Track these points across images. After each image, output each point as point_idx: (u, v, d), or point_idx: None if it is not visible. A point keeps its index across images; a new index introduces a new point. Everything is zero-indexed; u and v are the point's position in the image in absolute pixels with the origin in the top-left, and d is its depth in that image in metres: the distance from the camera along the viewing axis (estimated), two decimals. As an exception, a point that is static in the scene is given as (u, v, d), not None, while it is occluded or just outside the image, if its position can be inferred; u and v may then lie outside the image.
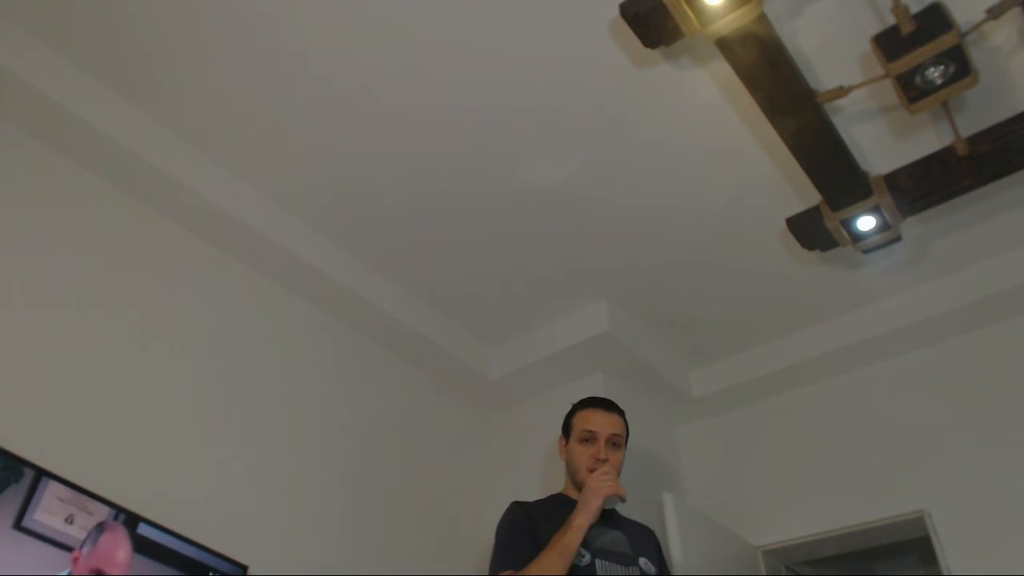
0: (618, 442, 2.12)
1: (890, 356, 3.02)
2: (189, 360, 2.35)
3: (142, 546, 1.97)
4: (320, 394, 2.70)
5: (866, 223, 2.28)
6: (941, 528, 2.60)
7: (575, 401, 2.26)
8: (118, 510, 1.96)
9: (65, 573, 1.80)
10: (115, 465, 2.03)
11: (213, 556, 2.11)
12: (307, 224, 2.69)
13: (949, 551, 2.54)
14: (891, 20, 1.80)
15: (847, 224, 2.29)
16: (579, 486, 2.03)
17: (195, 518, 2.12)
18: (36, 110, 2.16)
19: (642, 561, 1.99)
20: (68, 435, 1.98)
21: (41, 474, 1.86)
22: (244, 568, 2.17)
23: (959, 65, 1.82)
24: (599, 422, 2.12)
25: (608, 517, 2.02)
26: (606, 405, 2.19)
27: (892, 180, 2.23)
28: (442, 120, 2.36)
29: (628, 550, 2.00)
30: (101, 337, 2.16)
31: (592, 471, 2.01)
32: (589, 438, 2.10)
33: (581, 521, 1.87)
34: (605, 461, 2.04)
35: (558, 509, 2.00)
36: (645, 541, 2.10)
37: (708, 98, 2.27)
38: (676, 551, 2.45)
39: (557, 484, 2.29)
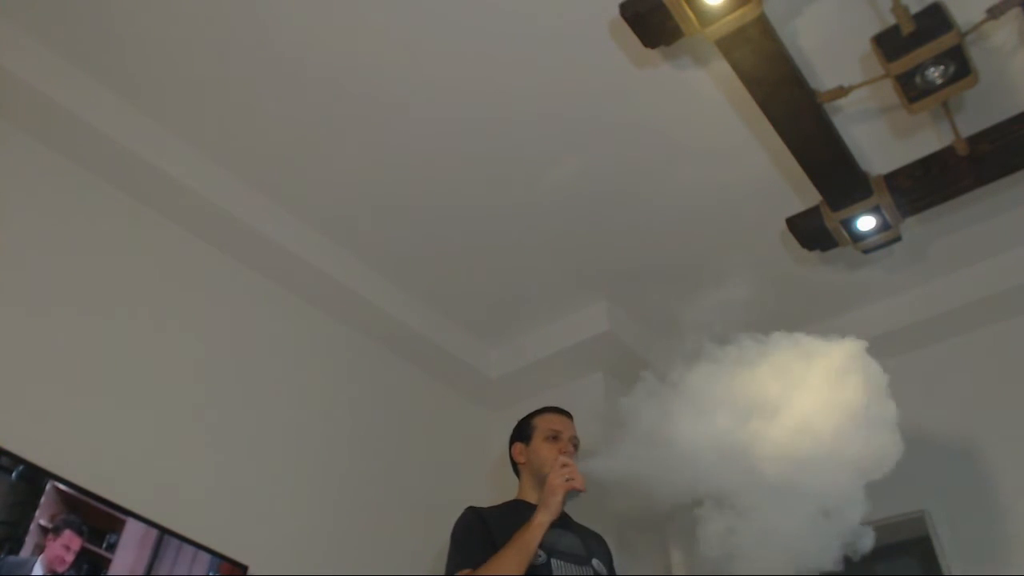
0: (577, 445, 2.22)
1: (890, 356, 3.00)
2: (189, 360, 2.35)
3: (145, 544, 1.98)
4: (320, 394, 2.70)
5: (866, 223, 2.28)
6: (941, 528, 2.59)
7: (537, 408, 2.34)
8: (122, 511, 1.96)
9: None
10: (116, 466, 2.03)
11: (213, 556, 2.11)
12: (307, 224, 2.69)
13: (949, 551, 2.54)
14: (891, 20, 1.80)
15: (847, 224, 2.29)
16: (543, 482, 2.05)
17: (195, 518, 2.12)
18: (36, 110, 2.16)
19: (595, 562, 2.05)
20: (68, 435, 1.98)
21: (46, 476, 1.87)
22: (244, 568, 2.17)
23: (959, 65, 1.81)
24: (563, 424, 2.24)
25: (563, 521, 2.06)
26: (565, 412, 2.30)
27: (892, 180, 2.22)
28: (442, 122, 2.36)
29: (582, 551, 2.05)
30: (101, 338, 2.16)
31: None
32: (555, 436, 2.18)
33: (542, 519, 1.90)
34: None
35: (514, 514, 2.02)
36: (597, 545, 2.16)
37: (708, 98, 2.27)
38: (676, 550, 2.45)
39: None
